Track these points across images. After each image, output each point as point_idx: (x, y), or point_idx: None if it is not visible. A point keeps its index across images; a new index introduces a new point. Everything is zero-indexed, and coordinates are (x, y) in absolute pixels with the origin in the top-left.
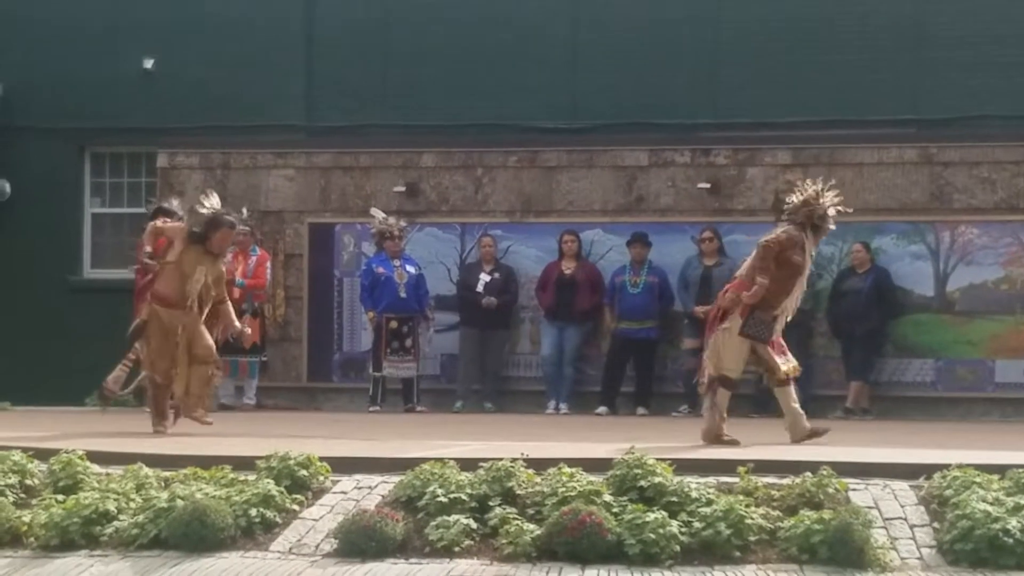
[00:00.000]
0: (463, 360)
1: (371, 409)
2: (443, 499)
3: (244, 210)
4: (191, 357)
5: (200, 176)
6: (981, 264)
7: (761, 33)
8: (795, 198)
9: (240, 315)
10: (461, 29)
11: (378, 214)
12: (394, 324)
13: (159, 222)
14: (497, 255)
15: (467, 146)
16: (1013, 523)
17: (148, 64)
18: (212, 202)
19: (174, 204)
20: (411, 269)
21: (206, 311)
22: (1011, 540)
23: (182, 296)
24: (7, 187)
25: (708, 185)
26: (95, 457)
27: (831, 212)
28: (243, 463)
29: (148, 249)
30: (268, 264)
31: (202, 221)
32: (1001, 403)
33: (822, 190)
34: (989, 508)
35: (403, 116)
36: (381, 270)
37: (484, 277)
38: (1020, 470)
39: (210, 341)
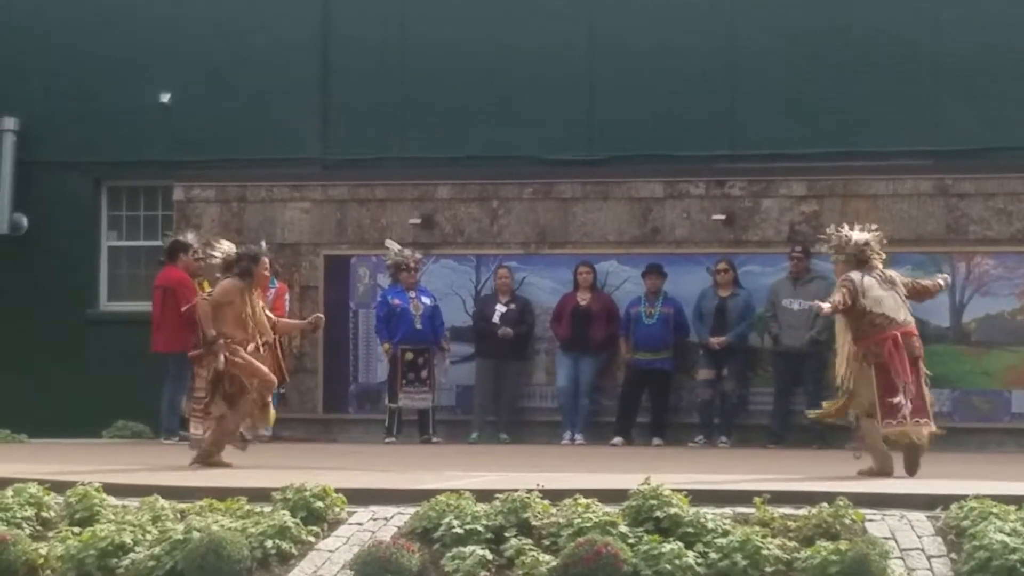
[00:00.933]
0: (479, 391)
1: (387, 440)
2: (459, 530)
3: (263, 243)
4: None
5: (216, 209)
6: (997, 295)
7: (777, 64)
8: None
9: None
10: (477, 61)
11: (393, 246)
12: (410, 355)
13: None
14: (513, 286)
15: (482, 178)
16: None
17: (165, 98)
18: (224, 248)
19: (190, 238)
20: (426, 300)
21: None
22: None
23: (244, 330)
24: (24, 221)
25: (723, 216)
26: (111, 489)
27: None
28: (259, 495)
29: (211, 332)
30: (286, 296)
31: (242, 261)
32: (1017, 433)
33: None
34: (1007, 539)
35: (419, 148)
36: (397, 302)
37: (500, 308)
38: None
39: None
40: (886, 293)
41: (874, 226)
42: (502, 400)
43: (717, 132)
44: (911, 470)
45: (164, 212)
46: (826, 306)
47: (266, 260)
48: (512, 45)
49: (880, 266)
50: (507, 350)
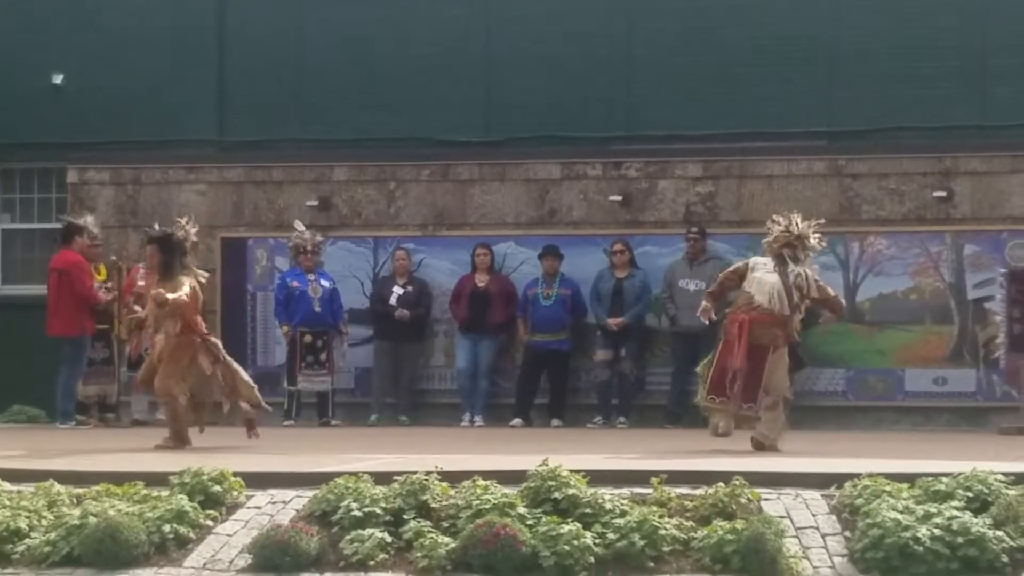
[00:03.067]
0: (377, 374)
1: (286, 423)
2: (358, 513)
3: (156, 225)
4: None
5: (111, 192)
6: (890, 275)
7: (673, 47)
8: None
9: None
10: (374, 42)
11: (299, 227)
12: (308, 338)
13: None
14: (411, 268)
15: (380, 160)
16: (923, 531)
17: (58, 79)
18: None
19: (88, 220)
20: (325, 283)
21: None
22: (921, 548)
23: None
24: None
25: (620, 198)
26: (6, 475)
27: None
28: (156, 479)
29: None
30: None
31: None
32: (911, 412)
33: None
34: (899, 516)
35: (315, 130)
36: (296, 284)
37: (397, 290)
38: (930, 479)
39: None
40: (770, 279)
41: (818, 221)
42: (401, 382)
43: (614, 113)
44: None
45: (59, 194)
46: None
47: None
48: (409, 26)
49: (804, 260)
50: (405, 332)
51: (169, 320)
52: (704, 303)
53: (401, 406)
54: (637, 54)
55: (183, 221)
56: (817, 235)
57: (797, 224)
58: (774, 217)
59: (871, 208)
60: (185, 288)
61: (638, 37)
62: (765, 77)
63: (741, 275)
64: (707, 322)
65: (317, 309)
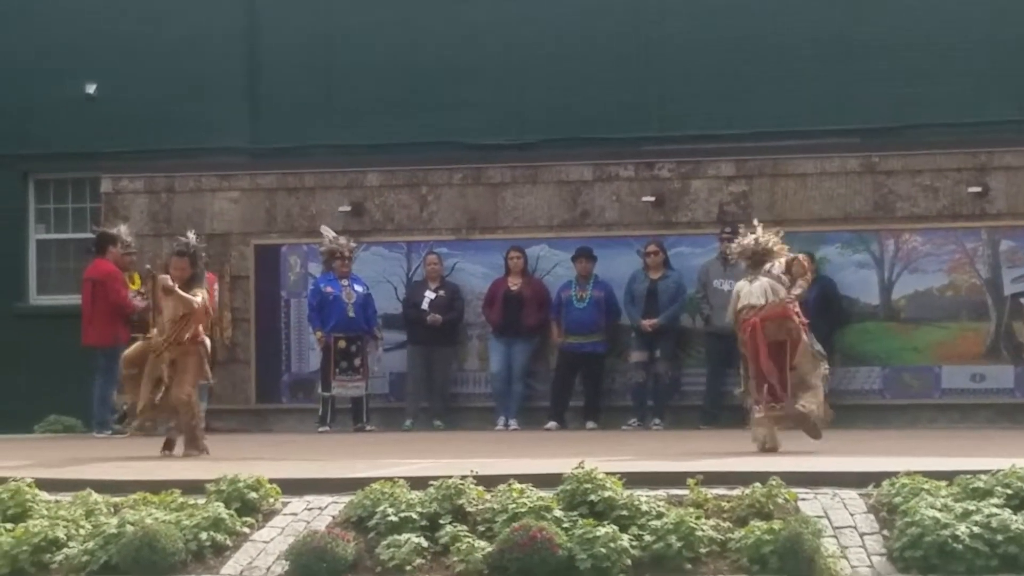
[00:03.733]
0: (410, 378)
1: (320, 429)
2: (394, 518)
3: (190, 234)
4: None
5: (144, 200)
6: (925, 271)
7: (704, 47)
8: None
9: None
10: (403, 48)
11: (328, 233)
12: (342, 344)
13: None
14: (443, 272)
15: (411, 164)
16: (962, 529)
17: (91, 89)
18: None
19: (121, 230)
20: (359, 289)
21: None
22: (960, 546)
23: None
24: None
25: (652, 198)
26: (43, 484)
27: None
28: (193, 487)
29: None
30: (216, 287)
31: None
32: (948, 409)
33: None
34: (938, 515)
35: (347, 136)
36: (329, 290)
37: (429, 295)
38: (968, 476)
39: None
40: (756, 283)
41: (776, 230)
42: (434, 386)
43: (645, 114)
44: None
45: (92, 204)
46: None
47: (176, 258)
48: (440, 30)
49: (775, 264)
50: (437, 336)
51: (185, 328)
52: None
53: (435, 410)
54: (668, 54)
55: (192, 234)
56: (779, 244)
57: (758, 238)
58: (740, 229)
59: (905, 205)
60: (203, 294)
61: (669, 37)
62: (797, 75)
63: (735, 306)
64: None
65: (351, 315)
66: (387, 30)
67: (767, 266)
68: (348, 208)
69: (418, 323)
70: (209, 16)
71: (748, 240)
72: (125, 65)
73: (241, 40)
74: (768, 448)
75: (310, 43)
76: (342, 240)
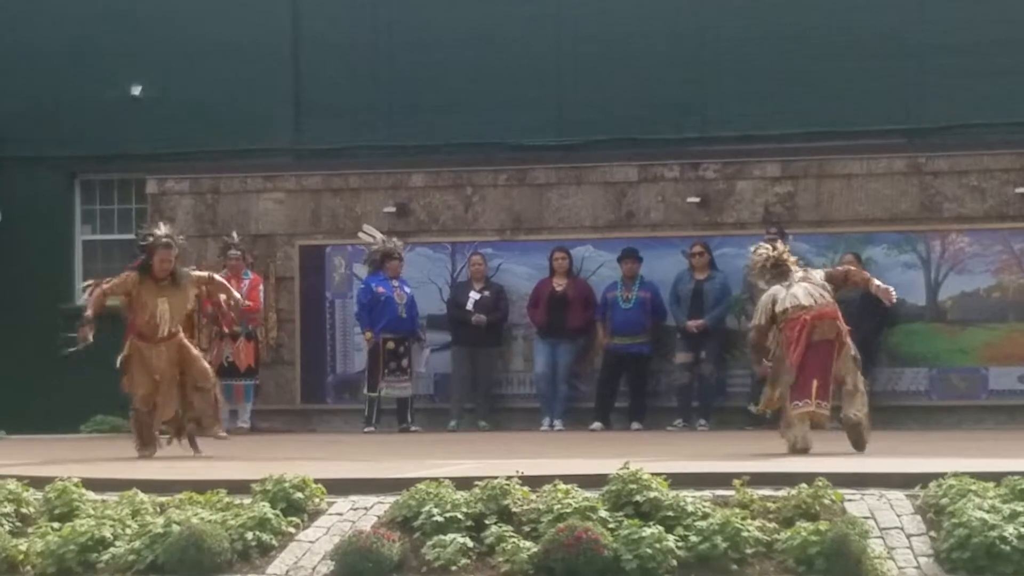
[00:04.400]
0: (455, 379)
1: (366, 430)
2: (439, 518)
3: (234, 234)
4: (190, 385)
5: (190, 201)
6: (972, 272)
7: (749, 46)
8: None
9: (234, 338)
10: (448, 49)
11: (376, 233)
12: (391, 344)
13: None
14: (487, 273)
15: (456, 165)
16: (1010, 530)
17: (136, 91)
18: (155, 231)
19: (164, 230)
20: (407, 290)
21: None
22: (1008, 547)
23: (153, 330)
24: None
25: (698, 199)
26: (90, 484)
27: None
28: (238, 487)
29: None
30: (261, 287)
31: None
32: (995, 410)
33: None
34: (985, 516)
35: (392, 137)
36: (381, 290)
37: (474, 295)
38: (1016, 477)
39: (204, 365)
40: (793, 290)
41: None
42: (479, 387)
43: (690, 114)
44: (858, 447)
45: (138, 205)
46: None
47: (164, 250)
48: (483, 31)
49: (798, 271)
50: (482, 337)
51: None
52: (762, 361)
53: (480, 411)
54: (714, 54)
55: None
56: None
57: (770, 252)
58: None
59: (952, 206)
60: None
61: (714, 37)
62: (843, 75)
63: (770, 312)
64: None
65: (403, 315)
66: (432, 31)
67: (797, 275)
68: (393, 209)
69: (463, 324)
70: (255, 18)
71: (761, 255)
72: (171, 67)
73: (286, 41)
74: (799, 449)
75: (355, 44)
76: (396, 240)
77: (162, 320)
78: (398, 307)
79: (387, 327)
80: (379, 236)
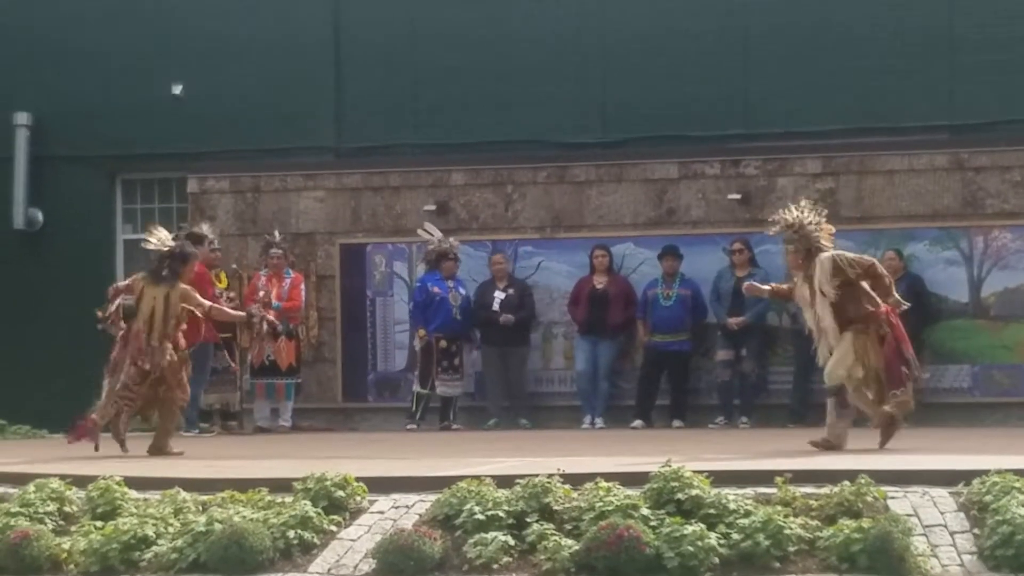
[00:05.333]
0: (487, 379)
1: (408, 426)
2: (480, 516)
3: (276, 233)
4: (158, 394)
5: (231, 200)
6: (1015, 268)
7: (791, 42)
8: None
9: (275, 337)
10: (488, 46)
11: (435, 232)
12: (443, 344)
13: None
14: (509, 271)
15: (496, 163)
16: None
17: (177, 90)
18: (160, 237)
19: (205, 229)
20: (462, 291)
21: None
22: None
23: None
24: (40, 216)
25: (739, 196)
26: (133, 483)
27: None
28: (280, 485)
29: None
30: (302, 286)
31: (166, 258)
32: None
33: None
34: None
35: (432, 134)
36: (436, 290)
37: (499, 295)
38: None
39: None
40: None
41: (812, 204)
42: (511, 386)
43: (731, 111)
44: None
45: (179, 204)
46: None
47: (196, 259)
48: (524, 28)
49: (831, 247)
50: (510, 336)
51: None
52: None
53: (519, 409)
54: (754, 50)
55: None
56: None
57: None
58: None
59: (995, 202)
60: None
61: (756, 33)
62: (885, 70)
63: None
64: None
65: (458, 317)
66: (471, 28)
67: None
68: (433, 207)
69: (490, 324)
70: (295, 16)
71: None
72: (211, 65)
73: (326, 40)
74: (833, 446)
75: (395, 42)
76: (452, 241)
77: (147, 325)
78: (452, 308)
79: (440, 327)
80: (437, 235)
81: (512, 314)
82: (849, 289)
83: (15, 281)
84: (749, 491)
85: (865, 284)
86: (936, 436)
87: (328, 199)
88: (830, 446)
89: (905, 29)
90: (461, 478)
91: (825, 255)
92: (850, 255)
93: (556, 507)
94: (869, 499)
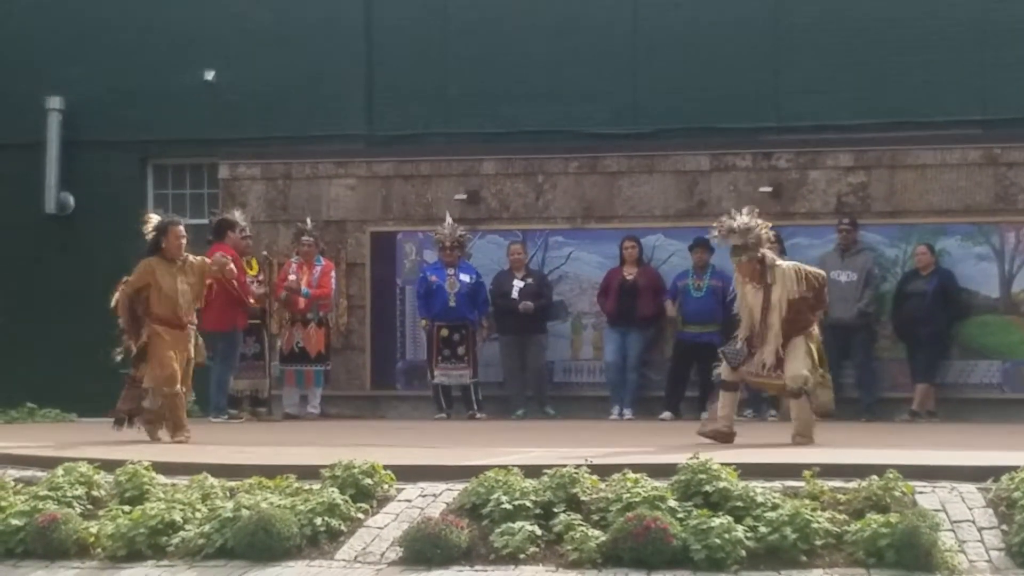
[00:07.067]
0: (505, 368)
1: (437, 417)
2: (508, 506)
3: (308, 220)
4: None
5: (262, 186)
6: None
7: (823, 35)
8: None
9: (306, 324)
10: (520, 35)
11: (448, 220)
12: (444, 332)
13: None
14: (526, 261)
15: (528, 153)
16: None
17: (209, 76)
18: (152, 222)
19: (236, 215)
20: (465, 278)
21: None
22: None
23: (173, 312)
24: (71, 200)
25: (770, 189)
26: (161, 468)
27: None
28: (308, 472)
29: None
30: (333, 273)
31: (148, 233)
32: None
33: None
34: None
35: (463, 123)
36: (434, 278)
37: (518, 284)
38: None
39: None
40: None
41: (756, 210)
42: (529, 375)
43: (763, 104)
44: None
45: (210, 190)
46: None
47: (177, 228)
48: (556, 18)
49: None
50: (527, 325)
51: None
52: None
53: (538, 398)
54: (786, 42)
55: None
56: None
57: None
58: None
59: None
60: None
61: (788, 26)
62: (917, 64)
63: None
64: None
65: (452, 304)
66: (503, 18)
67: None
68: (464, 196)
69: (508, 313)
70: (327, 3)
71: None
72: (243, 52)
73: (359, 27)
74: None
75: (427, 31)
76: (446, 230)
77: (183, 300)
78: (448, 295)
79: (438, 315)
80: (447, 223)
81: (532, 302)
82: (803, 300)
83: (46, 265)
84: (777, 484)
85: (809, 295)
86: (965, 432)
87: (359, 187)
88: (802, 441)
89: (938, 23)
90: (489, 467)
91: (786, 264)
92: (808, 267)
93: (583, 498)
94: (897, 494)
